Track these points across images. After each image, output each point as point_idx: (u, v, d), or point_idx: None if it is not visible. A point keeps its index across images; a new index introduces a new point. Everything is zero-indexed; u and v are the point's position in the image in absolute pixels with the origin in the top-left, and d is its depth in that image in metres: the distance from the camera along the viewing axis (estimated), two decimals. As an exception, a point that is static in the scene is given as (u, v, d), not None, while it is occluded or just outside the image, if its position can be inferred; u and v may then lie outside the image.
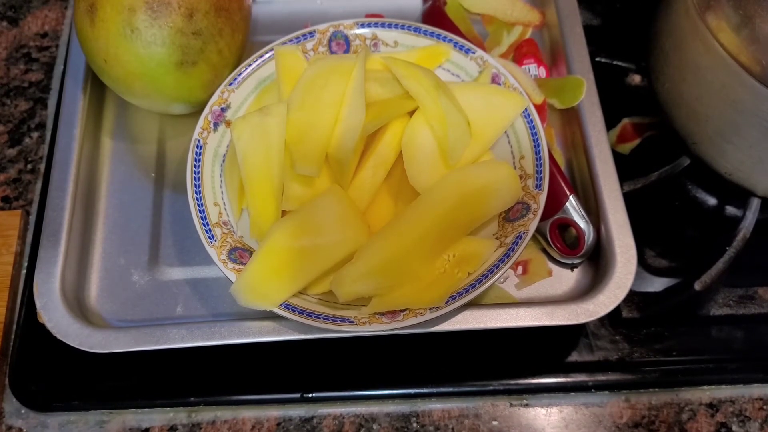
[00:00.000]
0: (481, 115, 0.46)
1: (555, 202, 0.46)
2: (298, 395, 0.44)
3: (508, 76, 0.48)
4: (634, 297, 0.47)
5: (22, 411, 0.45)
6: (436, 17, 0.54)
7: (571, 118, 0.51)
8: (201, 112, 0.47)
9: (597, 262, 0.46)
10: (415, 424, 0.44)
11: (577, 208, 0.46)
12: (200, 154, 0.46)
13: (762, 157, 0.44)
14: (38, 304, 0.44)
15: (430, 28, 0.50)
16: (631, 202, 0.46)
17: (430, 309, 0.40)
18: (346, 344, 0.45)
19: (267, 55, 0.49)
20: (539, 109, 0.50)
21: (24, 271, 0.49)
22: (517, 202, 0.44)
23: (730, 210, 0.50)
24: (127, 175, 0.51)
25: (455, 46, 0.49)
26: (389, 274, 0.41)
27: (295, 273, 0.41)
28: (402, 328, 0.40)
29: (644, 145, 0.52)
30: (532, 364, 0.45)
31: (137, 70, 0.45)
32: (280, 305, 0.41)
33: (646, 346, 0.46)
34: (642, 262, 0.48)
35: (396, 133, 0.46)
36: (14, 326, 0.47)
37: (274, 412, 0.45)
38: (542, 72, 0.53)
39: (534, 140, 0.46)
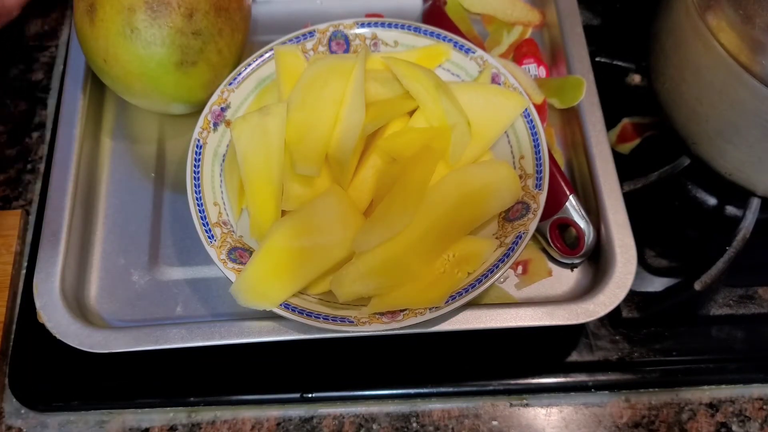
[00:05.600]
0: (482, 115, 0.46)
1: (555, 202, 0.46)
2: (297, 395, 0.44)
3: (508, 76, 0.48)
4: (634, 297, 0.47)
5: (22, 411, 0.45)
6: (436, 17, 0.54)
7: (571, 117, 0.51)
8: (201, 112, 0.47)
9: (597, 262, 0.46)
10: (415, 424, 0.44)
11: (577, 207, 0.46)
12: (200, 153, 0.46)
13: (762, 156, 0.44)
14: (38, 304, 0.44)
15: (430, 28, 0.50)
16: (631, 202, 0.46)
17: (430, 309, 0.40)
18: (346, 344, 0.45)
19: (267, 55, 0.49)
20: (539, 108, 0.50)
21: (24, 271, 0.49)
22: (517, 201, 0.44)
23: (730, 210, 0.50)
24: (127, 175, 0.51)
25: (455, 45, 0.49)
26: (389, 274, 0.41)
27: (294, 273, 0.41)
28: (402, 328, 0.40)
29: (644, 145, 0.52)
30: (532, 364, 0.45)
31: (137, 70, 0.45)
32: (280, 305, 0.41)
33: (646, 346, 0.46)
34: (642, 262, 0.48)
35: (396, 133, 0.46)
36: (14, 326, 0.47)
37: (274, 412, 0.45)
38: (542, 72, 0.53)
39: (534, 140, 0.46)
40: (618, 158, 0.47)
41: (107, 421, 0.45)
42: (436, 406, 0.45)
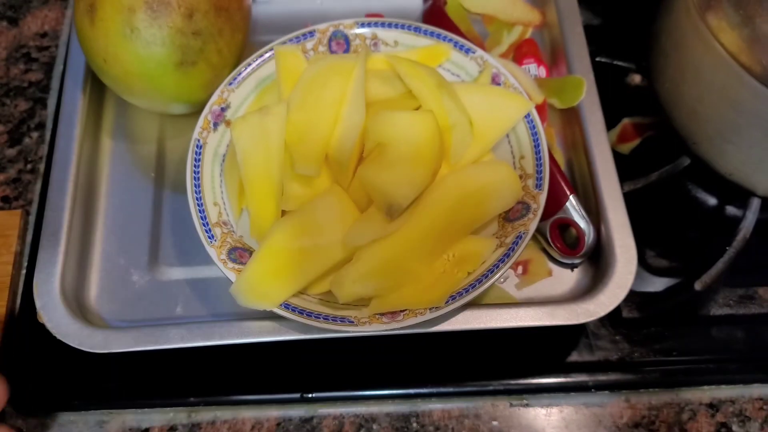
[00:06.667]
0: (484, 116, 0.46)
1: (555, 202, 0.46)
2: (298, 395, 0.44)
3: (508, 76, 0.48)
4: (634, 297, 0.47)
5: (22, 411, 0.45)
6: (436, 17, 0.54)
7: (571, 117, 0.51)
8: (201, 112, 0.47)
9: (597, 262, 0.46)
10: (415, 425, 0.44)
11: (577, 208, 0.46)
12: (200, 153, 0.46)
13: (762, 157, 0.44)
14: (38, 304, 0.44)
15: (430, 28, 0.50)
16: (631, 202, 0.46)
17: (430, 309, 0.40)
18: (346, 344, 0.45)
19: (267, 55, 0.49)
20: (539, 108, 0.50)
21: (24, 271, 0.49)
22: (517, 202, 0.44)
23: (731, 210, 0.50)
24: (127, 175, 0.51)
25: (455, 45, 0.49)
26: (389, 275, 0.41)
27: (294, 273, 0.41)
28: (402, 328, 0.40)
29: (644, 145, 0.52)
30: (532, 364, 0.45)
31: (137, 70, 0.45)
32: (280, 305, 0.40)
33: (646, 346, 0.46)
34: (642, 262, 0.47)
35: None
36: (14, 326, 0.47)
37: (274, 412, 0.45)
38: (542, 72, 0.53)
39: (534, 140, 0.46)
40: (618, 158, 0.47)
41: (107, 422, 0.45)
42: (436, 406, 0.45)
